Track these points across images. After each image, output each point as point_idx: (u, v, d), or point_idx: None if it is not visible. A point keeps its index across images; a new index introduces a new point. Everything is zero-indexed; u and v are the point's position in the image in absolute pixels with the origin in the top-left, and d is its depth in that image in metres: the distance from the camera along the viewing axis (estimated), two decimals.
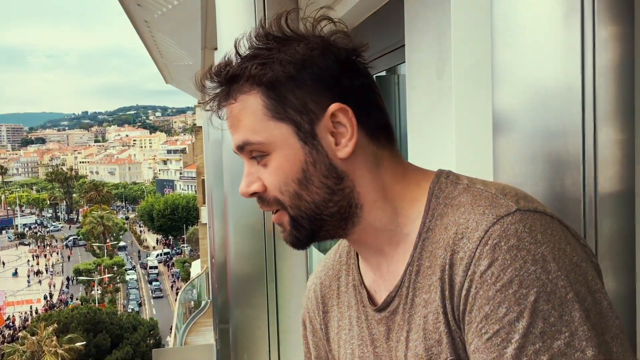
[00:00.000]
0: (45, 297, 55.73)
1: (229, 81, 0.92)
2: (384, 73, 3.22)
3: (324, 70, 0.91)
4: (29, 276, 63.56)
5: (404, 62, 2.30)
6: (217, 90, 0.94)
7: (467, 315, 0.82)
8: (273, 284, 2.53)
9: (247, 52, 0.93)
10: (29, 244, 79.88)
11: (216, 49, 6.07)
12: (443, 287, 0.85)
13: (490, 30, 1.16)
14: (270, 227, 2.51)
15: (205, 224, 17.56)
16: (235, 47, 0.94)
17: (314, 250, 3.54)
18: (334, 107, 0.91)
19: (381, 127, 0.96)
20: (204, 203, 17.90)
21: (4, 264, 68.82)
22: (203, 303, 18.36)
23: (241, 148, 0.94)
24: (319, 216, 0.92)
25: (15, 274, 66.07)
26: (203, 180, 17.50)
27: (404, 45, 2.25)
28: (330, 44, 0.93)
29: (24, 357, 30.74)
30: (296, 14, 1.01)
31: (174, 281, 57.01)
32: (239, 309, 2.69)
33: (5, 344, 38.47)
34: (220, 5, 2.47)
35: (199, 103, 15.71)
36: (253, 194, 0.94)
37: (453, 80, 1.65)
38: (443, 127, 1.83)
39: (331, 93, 0.91)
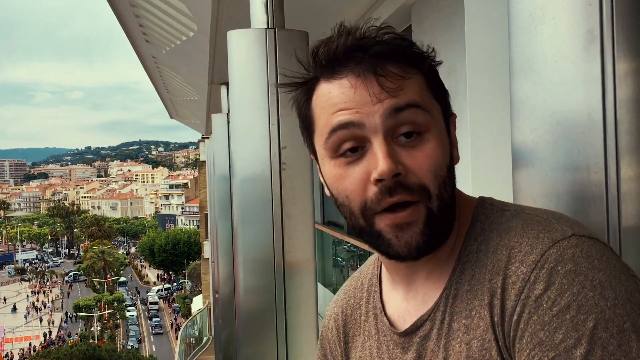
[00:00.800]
0: (44, 334, 55.08)
1: (398, 48, 0.85)
2: None
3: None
4: (28, 312, 62.92)
5: None
6: (369, 52, 0.84)
7: (517, 342, 0.77)
8: (283, 319, 2.50)
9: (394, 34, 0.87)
10: (29, 280, 79.31)
11: (224, 84, 6.15)
12: (492, 312, 0.81)
13: (507, 63, 1.17)
14: (280, 261, 2.50)
15: (208, 258, 17.47)
16: (340, 28, 0.86)
17: (319, 285, 3.50)
18: (455, 114, 0.92)
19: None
20: (207, 237, 17.84)
21: (5, 299, 68.21)
22: (205, 339, 18.11)
23: (399, 110, 0.82)
24: (451, 213, 0.87)
25: (14, 309, 65.43)
26: (206, 214, 17.48)
27: None
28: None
29: None
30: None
31: (175, 317, 56.38)
32: (248, 344, 2.65)
33: None
34: (232, 41, 2.51)
35: (202, 137, 15.80)
36: (395, 175, 0.82)
37: (468, 114, 1.66)
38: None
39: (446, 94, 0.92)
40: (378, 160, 0.81)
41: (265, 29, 2.47)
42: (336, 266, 8.96)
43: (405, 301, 0.94)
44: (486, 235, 0.87)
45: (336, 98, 0.84)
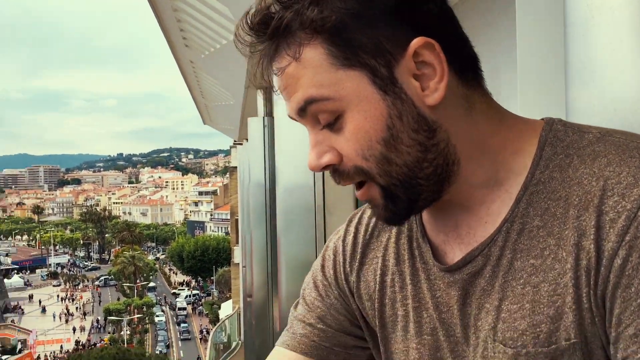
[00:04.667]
0: (75, 337, 56.01)
1: (276, 33, 0.73)
2: None
3: (400, 2, 0.73)
4: (60, 315, 64.10)
5: None
6: (261, 47, 0.75)
7: (621, 290, 0.66)
8: None
9: None
10: (59, 284, 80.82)
11: (260, 88, 6.21)
12: (579, 255, 0.69)
13: (562, 66, 1.17)
14: None
15: (238, 263, 17.58)
16: None
17: None
18: (417, 42, 0.72)
19: (468, 61, 0.78)
20: (237, 243, 17.97)
21: (40, 302, 69.61)
22: (234, 344, 18.21)
23: (303, 110, 0.75)
24: (414, 180, 0.75)
25: (43, 310, 66.71)
26: (237, 220, 17.62)
27: None
28: None
29: None
30: None
31: (202, 324, 56.80)
32: None
33: None
34: None
35: (235, 143, 15.96)
36: (326, 167, 0.77)
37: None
38: None
39: (410, 26, 0.73)
40: (309, 153, 0.77)
41: None
42: None
43: (444, 233, 0.83)
44: (560, 160, 0.74)
45: None
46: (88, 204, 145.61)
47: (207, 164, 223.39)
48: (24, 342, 49.59)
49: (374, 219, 0.94)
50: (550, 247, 0.72)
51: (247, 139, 6.93)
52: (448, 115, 0.75)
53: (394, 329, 0.89)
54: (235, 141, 16.03)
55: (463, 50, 0.78)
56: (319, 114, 0.75)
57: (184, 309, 64.40)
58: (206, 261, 66.37)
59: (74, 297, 72.35)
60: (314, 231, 2.57)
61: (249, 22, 0.75)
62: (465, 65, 0.77)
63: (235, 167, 17.85)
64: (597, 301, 0.68)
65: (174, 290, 74.90)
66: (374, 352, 0.96)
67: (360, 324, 0.96)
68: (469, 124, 0.77)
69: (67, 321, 62.26)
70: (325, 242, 2.55)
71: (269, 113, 5.36)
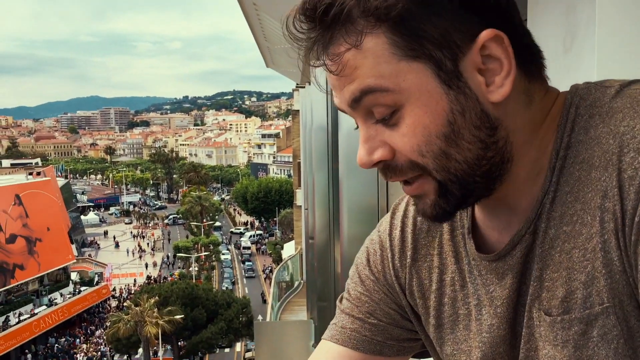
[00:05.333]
0: (147, 272, 59.18)
1: (336, 19, 0.69)
2: None
3: None
4: (133, 251, 67.60)
5: None
6: (315, 34, 0.71)
7: None
8: None
9: None
10: (130, 222, 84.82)
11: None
12: (604, 217, 0.67)
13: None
14: (384, 208, 2.54)
15: (300, 206, 17.91)
16: None
17: None
18: (486, 34, 0.69)
19: (532, 53, 0.75)
20: (300, 186, 18.24)
21: (114, 238, 73.53)
22: (296, 283, 18.78)
23: (357, 101, 0.71)
24: (472, 178, 0.72)
25: (117, 246, 70.46)
26: (299, 163, 17.83)
27: (525, 19, 2.20)
28: None
29: (128, 325, 32.83)
30: None
31: (265, 263, 58.66)
32: None
33: (111, 313, 41.30)
34: None
35: (297, 86, 15.95)
36: (377, 163, 0.74)
37: (596, 61, 1.59)
38: None
39: (478, 17, 0.69)
40: (359, 148, 0.74)
41: None
42: None
43: (496, 231, 0.81)
44: (585, 122, 0.71)
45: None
46: (156, 146, 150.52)
47: (269, 107, 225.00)
48: (100, 275, 52.74)
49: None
50: (577, 212, 0.70)
51: (309, 82, 6.90)
52: (509, 111, 0.72)
53: (454, 329, 0.86)
54: (297, 84, 16.04)
55: (527, 42, 0.74)
56: (374, 107, 0.71)
57: (248, 248, 66.53)
58: (269, 202, 67.82)
59: (145, 234, 75.95)
60: (376, 175, 2.58)
61: (305, 8, 0.70)
62: (528, 58, 0.74)
63: (298, 111, 17.92)
64: (630, 262, 0.66)
65: (232, 229, 77.27)
66: (426, 343, 0.94)
67: (410, 318, 0.93)
68: (526, 118, 0.74)
69: (140, 257, 65.66)
70: (387, 184, 2.54)
71: None
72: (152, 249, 69.38)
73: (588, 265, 0.69)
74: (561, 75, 1.85)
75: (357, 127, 0.76)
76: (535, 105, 0.74)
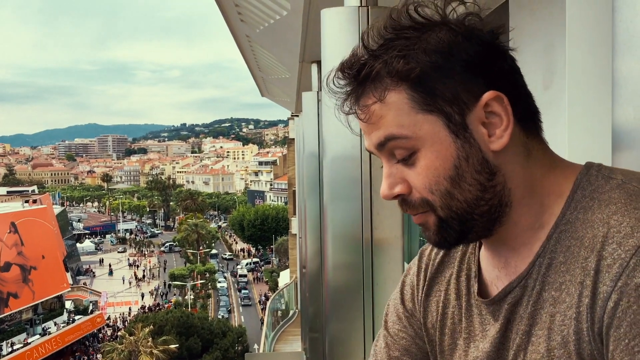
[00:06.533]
0: (142, 300, 58.60)
1: (366, 78, 0.84)
2: None
3: (473, 56, 0.83)
4: (129, 280, 67.03)
5: None
6: (350, 89, 0.87)
7: (614, 330, 0.74)
8: (370, 295, 2.54)
9: (380, 44, 0.84)
10: (124, 251, 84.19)
11: (314, 62, 6.22)
12: (582, 292, 0.78)
13: (610, 39, 1.12)
14: (369, 237, 2.53)
15: (295, 234, 17.84)
16: (362, 40, 0.86)
17: (406, 263, 3.52)
18: (489, 95, 0.83)
19: (530, 113, 0.88)
20: (295, 214, 18.20)
21: (110, 266, 72.94)
22: (291, 312, 18.61)
23: (382, 145, 0.86)
24: (470, 216, 0.85)
25: (110, 273, 69.85)
26: (294, 191, 17.82)
27: None
28: (471, 27, 0.84)
29: (122, 355, 32.40)
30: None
31: (262, 291, 58.18)
32: (335, 319, 2.72)
33: (106, 342, 40.77)
34: (325, 19, 2.54)
35: (292, 115, 16.04)
36: (396, 196, 0.88)
37: (567, 93, 1.60)
38: (551, 141, 1.77)
39: (483, 80, 0.83)
40: (382, 182, 0.88)
41: (359, 6, 2.48)
42: (424, 243, 8.90)
43: (497, 269, 0.93)
44: (586, 203, 0.82)
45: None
46: (153, 173, 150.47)
47: (267, 134, 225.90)
48: (95, 303, 52.24)
49: (440, 255, 1.04)
50: (566, 282, 0.81)
51: (302, 111, 6.94)
52: (508, 160, 0.85)
53: (452, 357, 0.99)
54: (292, 113, 16.12)
55: (526, 103, 0.88)
56: (395, 149, 0.85)
57: (245, 276, 66.08)
58: (266, 230, 67.61)
59: (141, 262, 75.41)
60: (360, 202, 2.57)
61: (344, 67, 0.86)
62: (527, 116, 0.87)
63: (293, 139, 18.01)
64: (595, 336, 0.76)
65: (224, 255, 76.79)
66: None
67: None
68: (525, 169, 0.86)
69: (137, 285, 65.08)
70: (371, 212, 2.54)
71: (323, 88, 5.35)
72: (148, 277, 68.82)
73: (564, 330, 0.79)
74: (542, 111, 1.85)
75: (382, 166, 0.90)
76: (534, 160, 0.87)
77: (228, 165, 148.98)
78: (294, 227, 18.81)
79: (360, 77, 0.85)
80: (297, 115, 11.90)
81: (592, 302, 0.76)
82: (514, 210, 0.86)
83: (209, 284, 59.08)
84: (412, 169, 0.85)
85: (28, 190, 74.26)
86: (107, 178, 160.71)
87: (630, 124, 1.10)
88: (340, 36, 2.48)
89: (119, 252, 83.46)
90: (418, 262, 1.09)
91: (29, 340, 40.75)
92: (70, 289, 50.53)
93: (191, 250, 65.39)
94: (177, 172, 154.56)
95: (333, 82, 0.88)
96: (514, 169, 0.85)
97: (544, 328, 0.83)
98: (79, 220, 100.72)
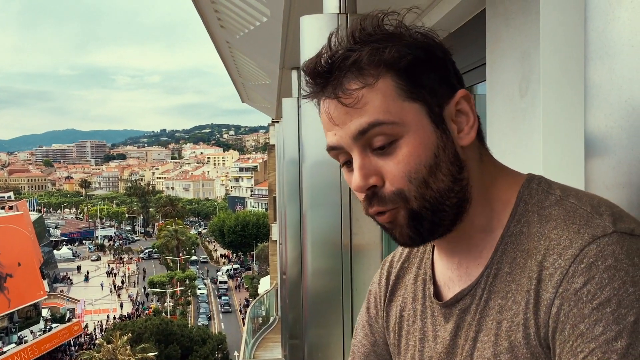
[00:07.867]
0: (121, 306, 57.90)
1: (353, 64, 0.85)
2: None
3: (445, 60, 0.90)
4: (107, 286, 66.18)
5: (484, 80, 2.29)
6: (333, 75, 0.86)
7: (559, 334, 0.79)
8: (349, 301, 2.54)
9: (364, 35, 0.87)
10: (99, 259, 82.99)
11: (294, 68, 6.23)
12: (528, 299, 0.83)
13: (582, 48, 1.14)
14: (348, 243, 2.54)
15: (276, 240, 17.78)
16: (330, 40, 0.89)
17: None
18: (461, 92, 0.89)
19: (479, 118, 0.94)
20: (275, 220, 18.15)
21: (88, 273, 71.94)
22: (271, 319, 18.52)
23: (363, 133, 0.85)
24: (442, 206, 0.88)
25: (86, 279, 68.87)
26: (275, 197, 17.77)
27: (484, 64, 2.24)
28: (435, 39, 0.90)
29: None
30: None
31: (242, 297, 57.83)
32: (314, 326, 2.71)
33: (83, 351, 40.17)
34: (304, 26, 2.54)
35: (272, 121, 16.03)
36: (369, 188, 0.88)
37: (541, 100, 1.63)
38: (527, 147, 1.81)
39: (455, 80, 0.90)
40: (354, 175, 0.88)
41: (338, 14, 2.49)
42: None
43: (450, 270, 0.97)
44: (529, 217, 0.88)
45: (323, 120, 0.90)
46: (133, 179, 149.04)
47: (247, 140, 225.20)
48: (72, 311, 51.47)
49: (400, 262, 1.09)
50: (512, 290, 0.86)
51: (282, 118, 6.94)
52: (469, 157, 0.90)
53: (406, 357, 1.04)
54: (273, 119, 16.10)
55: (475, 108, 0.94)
56: (376, 137, 0.85)
57: (225, 282, 65.62)
58: (246, 236, 67.33)
59: (119, 269, 74.52)
60: (340, 208, 2.57)
61: (328, 55, 0.87)
62: (477, 121, 0.93)
63: (274, 145, 17.97)
64: (541, 340, 0.82)
65: (199, 258, 75.51)
66: None
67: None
68: (479, 171, 0.92)
69: (118, 293, 64.25)
70: (350, 218, 2.55)
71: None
72: (127, 284, 68.02)
73: (512, 335, 0.84)
74: (518, 119, 1.88)
75: (341, 164, 0.92)
76: (485, 164, 0.93)
77: (208, 172, 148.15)
78: (275, 233, 18.75)
79: (348, 63, 0.85)
80: (278, 122, 11.89)
81: (536, 308, 0.82)
82: (472, 208, 0.90)
83: (189, 290, 58.58)
84: (388, 159, 0.86)
85: (4, 197, 73.00)
86: (85, 184, 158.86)
87: (602, 130, 1.12)
88: (319, 43, 2.48)
89: (92, 260, 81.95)
90: (381, 271, 1.14)
91: (5, 349, 39.99)
92: (47, 296, 49.73)
93: (171, 257, 64.82)
94: (157, 178, 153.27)
95: (314, 69, 0.88)
96: (473, 168, 0.91)
97: (489, 334, 0.88)
98: (56, 227, 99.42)
